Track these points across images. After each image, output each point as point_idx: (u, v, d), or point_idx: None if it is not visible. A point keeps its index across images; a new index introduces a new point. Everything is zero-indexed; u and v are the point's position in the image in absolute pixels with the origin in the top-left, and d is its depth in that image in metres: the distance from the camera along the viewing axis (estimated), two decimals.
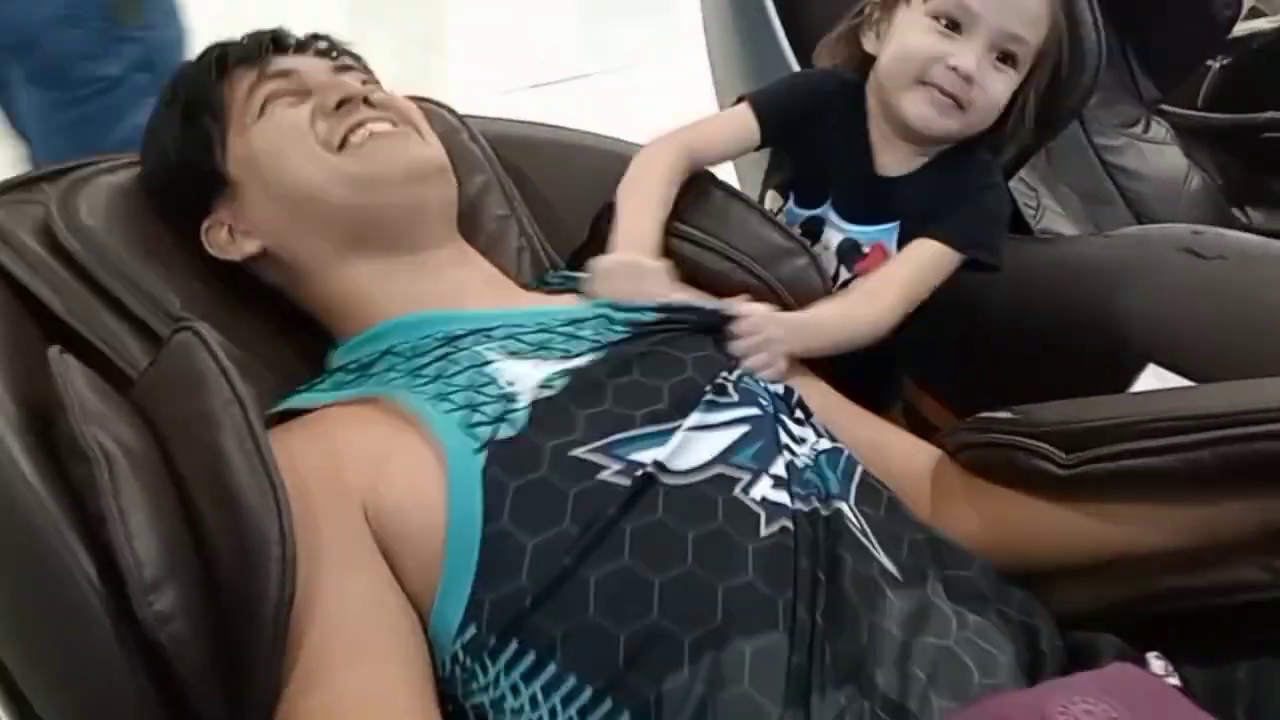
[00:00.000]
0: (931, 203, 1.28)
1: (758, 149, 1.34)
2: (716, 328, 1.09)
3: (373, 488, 0.91)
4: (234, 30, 1.18)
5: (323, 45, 1.18)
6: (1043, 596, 1.02)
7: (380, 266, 1.09)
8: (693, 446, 0.94)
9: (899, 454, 1.17)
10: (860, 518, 0.97)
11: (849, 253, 1.33)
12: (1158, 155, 2.07)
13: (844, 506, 0.96)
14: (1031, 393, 1.14)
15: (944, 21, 1.23)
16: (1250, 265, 1.38)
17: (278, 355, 1.11)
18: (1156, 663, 0.92)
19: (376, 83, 1.19)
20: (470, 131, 1.33)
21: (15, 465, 0.82)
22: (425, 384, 0.98)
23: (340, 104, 1.09)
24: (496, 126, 1.39)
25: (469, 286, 1.12)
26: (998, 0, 1.20)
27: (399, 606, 0.88)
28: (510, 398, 0.95)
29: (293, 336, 1.14)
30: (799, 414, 1.06)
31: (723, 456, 0.94)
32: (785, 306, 1.22)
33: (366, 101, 1.11)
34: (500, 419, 0.93)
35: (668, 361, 1.02)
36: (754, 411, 1.00)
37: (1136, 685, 0.81)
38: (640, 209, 1.21)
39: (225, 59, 1.13)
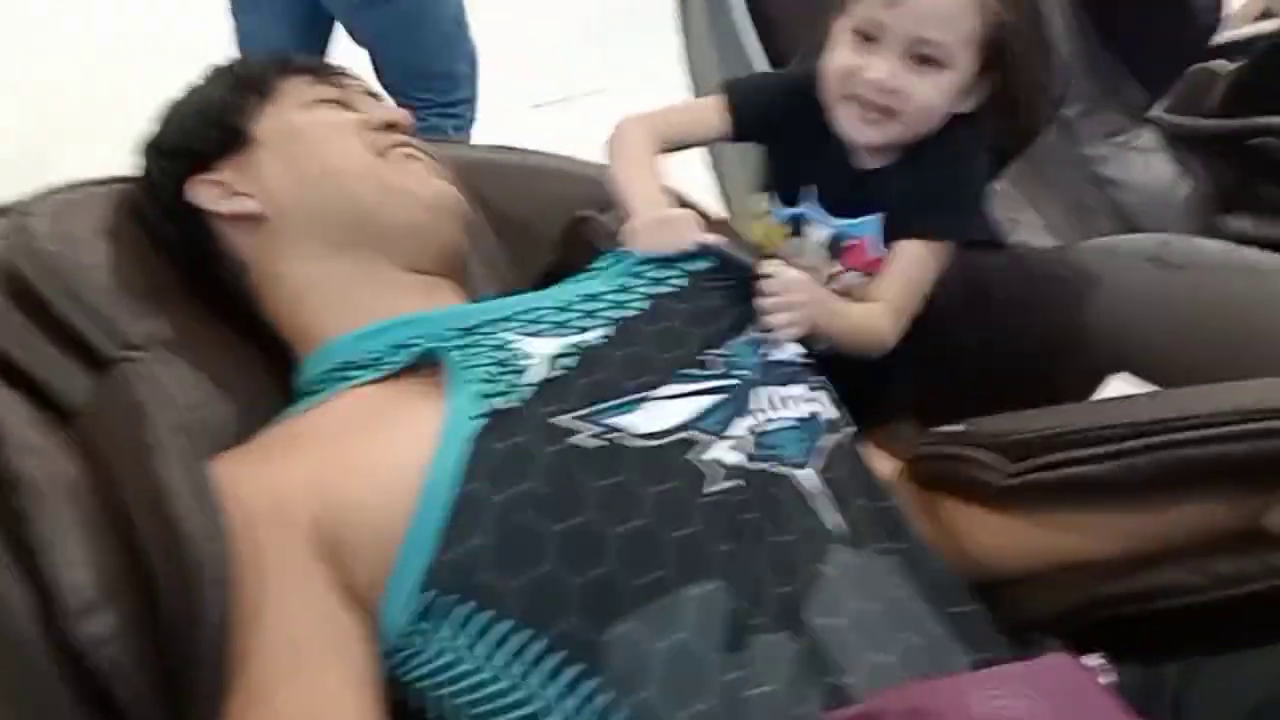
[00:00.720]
0: (912, 193, 1.28)
1: (730, 141, 1.36)
2: (742, 286, 1.12)
3: (327, 492, 0.91)
4: None
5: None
6: (994, 603, 1.02)
7: (362, 270, 1.10)
8: (660, 411, 0.98)
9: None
10: (822, 479, 1.00)
11: (836, 245, 1.33)
12: (1145, 163, 2.07)
13: (804, 471, 1.00)
14: (993, 403, 1.14)
15: (860, 35, 1.24)
16: (1209, 274, 1.38)
17: (243, 385, 1.09)
18: (1092, 660, 0.93)
19: None
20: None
21: None
22: (455, 351, 1.01)
23: (387, 126, 1.16)
24: (465, 153, 1.41)
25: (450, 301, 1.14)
26: (901, 9, 1.20)
27: (345, 616, 0.89)
28: (523, 371, 0.99)
29: (258, 360, 1.13)
30: (794, 386, 1.08)
31: (691, 422, 0.98)
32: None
33: (411, 136, 1.18)
34: (513, 388, 0.96)
35: (675, 335, 1.06)
36: (730, 381, 1.04)
37: (1065, 679, 0.82)
38: (640, 176, 1.23)
39: (288, 60, 1.20)
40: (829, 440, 1.06)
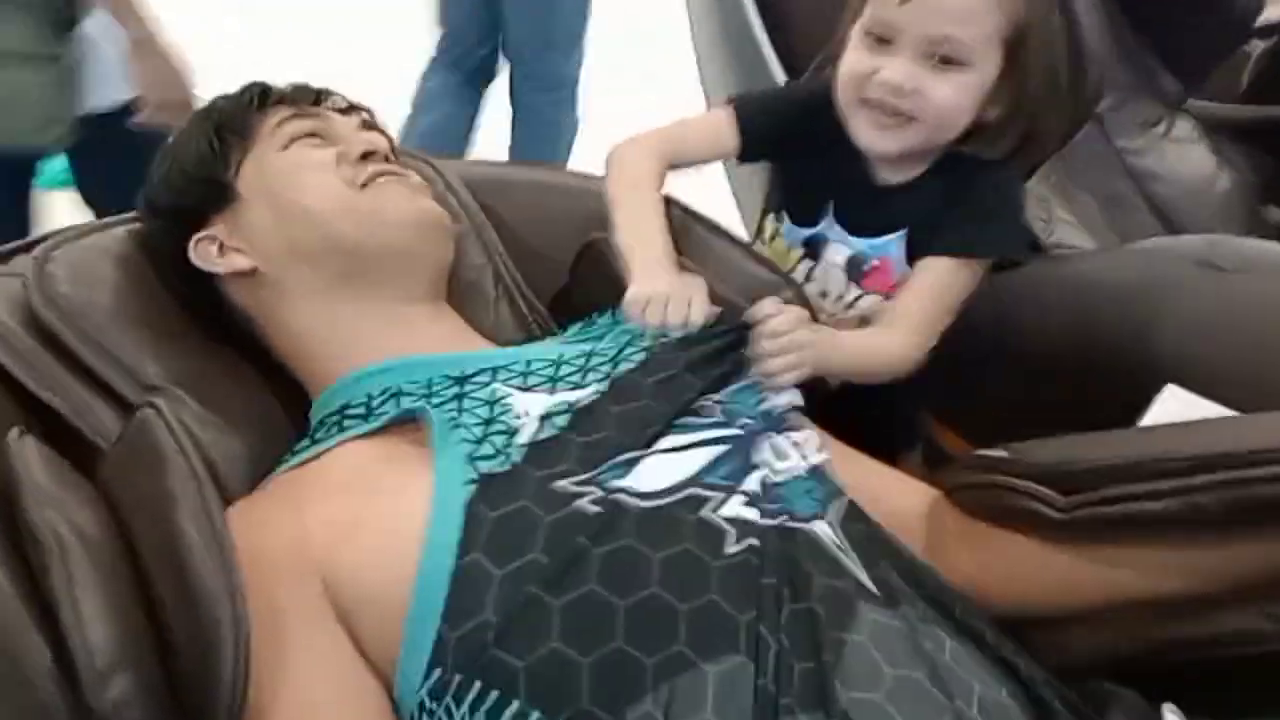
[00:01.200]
0: (936, 210, 1.22)
1: (738, 160, 1.30)
2: (738, 344, 1.07)
3: (330, 556, 0.90)
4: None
5: (364, 115, 1.21)
6: (1043, 644, 0.98)
7: (363, 308, 1.10)
8: (662, 468, 0.93)
9: (890, 494, 1.13)
10: (839, 533, 0.95)
11: (857, 267, 1.28)
12: (1182, 155, 2.00)
13: (820, 524, 0.94)
14: (1043, 421, 1.09)
15: (873, 37, 1.18)
16: (1262, 277, 1.31)
17: (260, 419, 1.10)
18: (1169, 714, 0.87)
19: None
20: (446, 180, 1.30)
21: None
22: (443, 406, 1.00)
23: (364, 155, 1.13)
24: (473, 170, 1.37)
25: (450, 340, 1.12)
26: (915, 6, 1.14)
27: (360, 675, 0.89)
28: (516, 431, 0.96)
29: (275, 398, 1.13)
30: (794, 433, 1.03)
31: (695, 478, 0.93)
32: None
33: (388, 159, 1.16)
34: (502, 451, 0.94)
35: (672, 389, 1.01)
36: (732, 431, 0.99)
37: None
38: (643, 220, 1.17)
39: (267, 95, 1.18)
40: (838, 490, 1.01)
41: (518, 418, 0.97)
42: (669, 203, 1.24)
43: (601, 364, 1.05)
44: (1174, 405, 1.24)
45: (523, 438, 0.95)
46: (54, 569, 0.81)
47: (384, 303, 1.10)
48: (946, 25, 1.14)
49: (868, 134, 1.20)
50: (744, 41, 1.77)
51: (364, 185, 1.12)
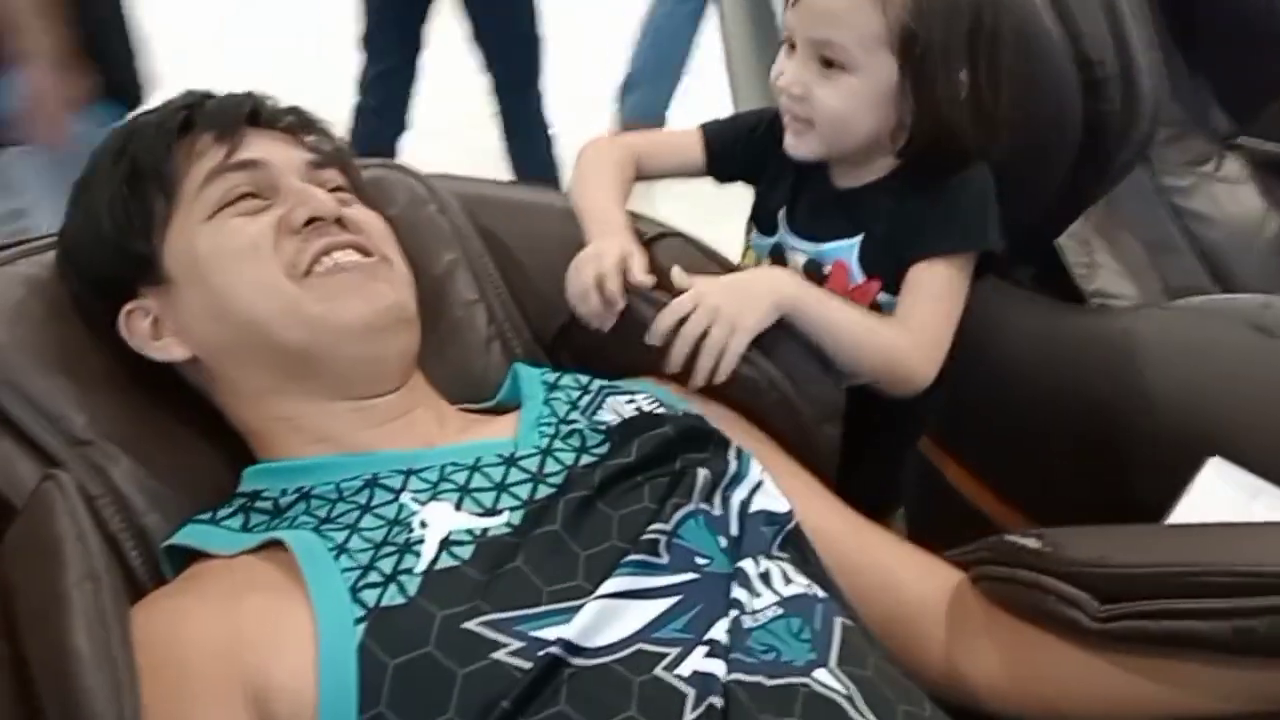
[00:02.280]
0: (906, 212, 1.17)
1: (707, 176, 1.30)
2: (682, 440, 0.96)
3: (260, 668, 0.80)
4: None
5: (309, 136, 1.06)
6: None
7: (317, 406, 0.97)
8: (610, 619, 0.81)
9: (907, 576, 1.04)
10: (847, 681, 0.83)
11: (815, 271, 1.23)
12: (1231, 196, 1.87)
13: (822, 673, 0.82)
14: (1073, 478, 1.09)
15: (787, 42, 1.17)
16: None
17: (199, 473, 0.99)
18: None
19: (351, 177, 1.07)
20: (440, 202, 1.20)
21: None
22: (334, 531, 0.87)
23: (309, 221, 0.97)
24: (468, 188, 1.26)
25: (409, 427, 0.99)
26: (800, 9, 1.14)
27: None
28: (414, 550, 0.84)
29: (216, 451, 1.01)
30: (767, 560, 0.91)
31: (646, 630, 0.81)
32: (785, 401, 1.10)
33: (339, 221, 0.99)
34: (393, 578, 0.82)
35: (594, 521, 0.89)
36: (689, 576, 0.86)
37: None
38: (602, 195, 1.18)
39: (191, 123, 1.01)
40: (836, 622, 0.89)
41: (417, 537, 0.85)
42: (672, 232, 1.20)
43: (519, 484, 0.92)
44: (1219, 479, 1.16)
45: (418, 564, 0.83)
46: None
47: (339, 399, 0.97)
48: (825, 28, 1.12)
49: (785, 138, 1.19)
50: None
51: (307, 272, 0.96)
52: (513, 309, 1.18)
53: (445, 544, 0.85)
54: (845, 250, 1.20)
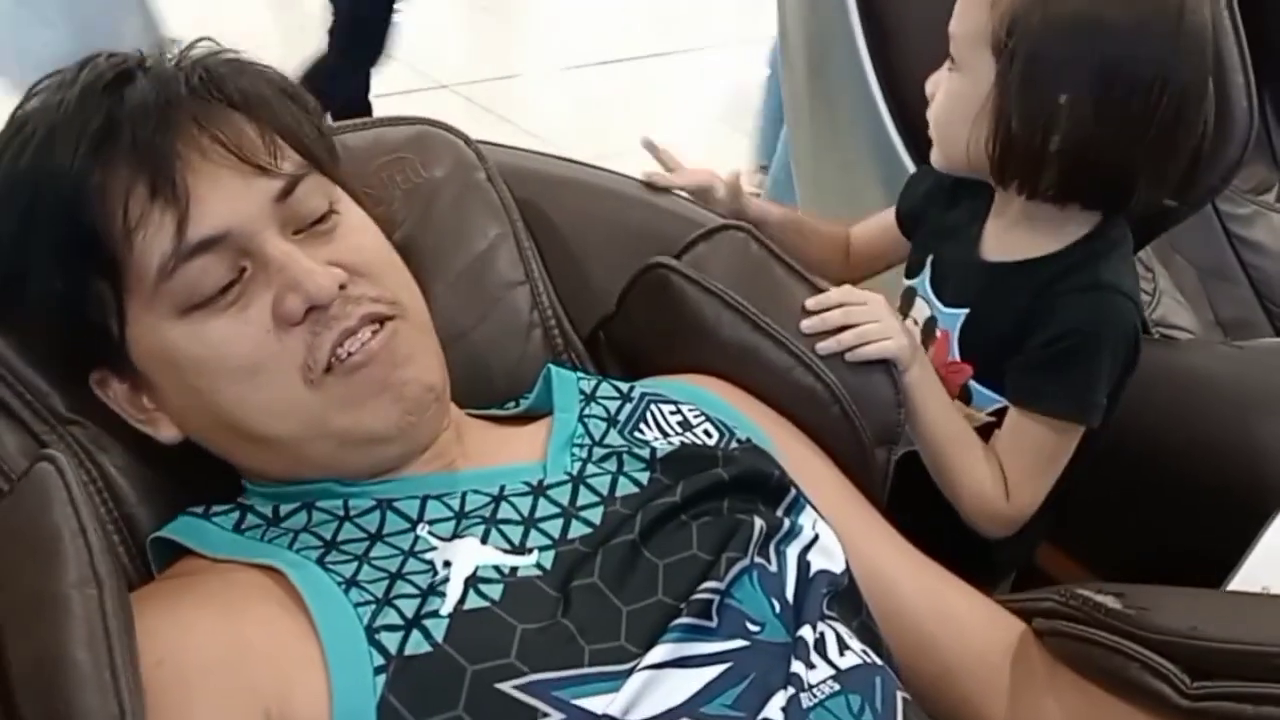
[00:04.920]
0: (1017, 328, 1.09)
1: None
2: (735, 484, 0.86)
3: (276, 684, 0.70)
4: None
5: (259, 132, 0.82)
6: None
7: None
8: (656, 690, 0.72)
9: (975, 624, 0.96)
10: None
11: (930, 330, 1.17)
12: None
13: None
14: (1129, 523, 1.05)
15: None
16: None
17: (196, 468, 0.86)
18: None
19: (323, 165, 0.86)
20: (488, 169, 1.10)
21: None
22: (341, 564, 0.77)
23: (309, 310, 0.79)
24: (516, 160, 1.16)
25: (430, 455, 0.87)
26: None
27: None
28: (438, 591, 0.74)
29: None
30: (829, 617, 0.83)
31: (693, 703, 0.72)
32: (846, 417, 1.01)
33: (344, 286, 0.80)
34: (416, 622, 0.72)
35: (637, 572, 0.79)
36: (740, 643, 0.76)
37: None
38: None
39: (109, 158, 0.77)
40: (898, 699, 0.80)
41: (441, 578, 0.76)
42: (735, 225, 1.11)
43: (548, 519, 0.82)
44: None
45: (444, 606, 0.73)
46: None
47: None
48: (952, 21, 1.09)
49: None
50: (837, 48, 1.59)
51: (320, 379, 0.79)
52: (554, 297, 1.09)
53: (472, 581, 0.75)
54: (954, 321, 1.14)
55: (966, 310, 1.13)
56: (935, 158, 1.14)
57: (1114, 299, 1.07)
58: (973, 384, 1.13)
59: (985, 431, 1.11)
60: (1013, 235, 1.12)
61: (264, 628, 0.73)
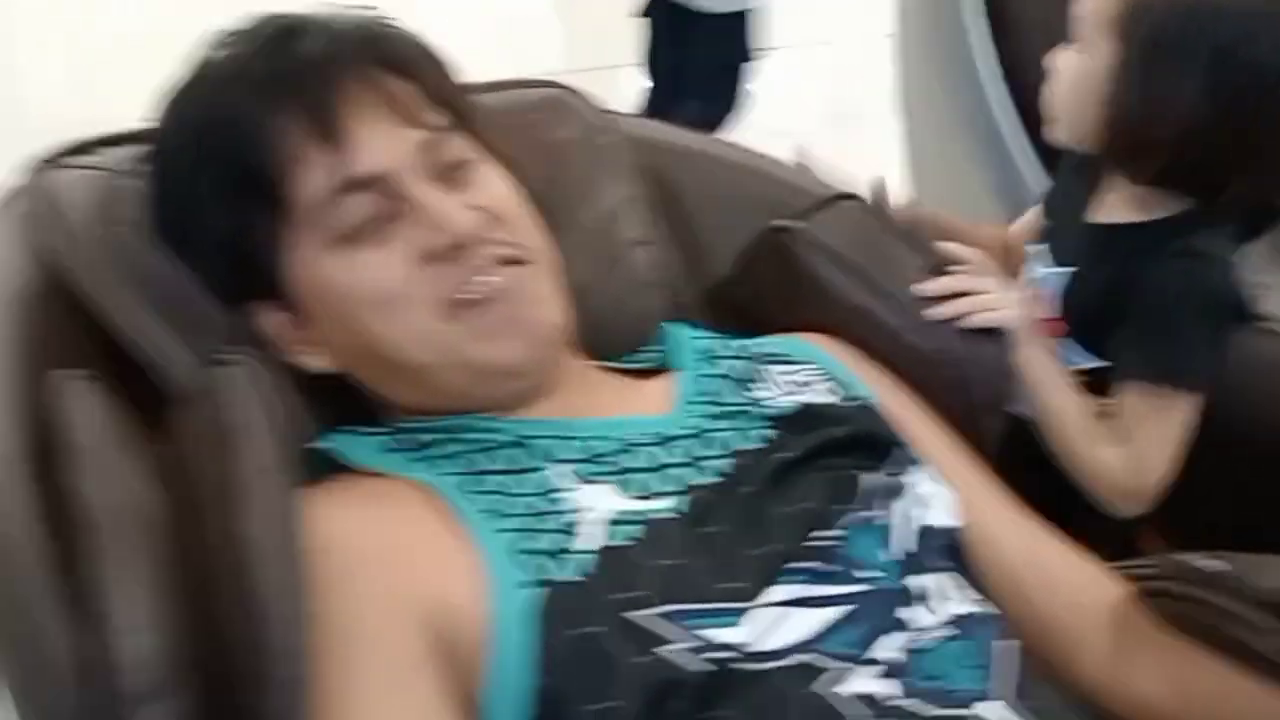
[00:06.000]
0: (1117, 296, 1.11)
1: None
2: (856, 442, 0.91)
3: (434, 587, 0.76)
4: None
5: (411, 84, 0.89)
6: None
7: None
8: (778, 625, 0.77)
9: (1078, 581, 0.98)
10: (1024, 714, 0.78)
11: (1034, 290, 1.20)
12: None
13: (990, 707, 0.77)
14: (1238, 514, 1.02)
15: None
16: None
17: (335, 400, 0.92)
18: None
19: (466, 122, 0.92)
20: (615, 133, 1.14)
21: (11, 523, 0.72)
22: (481, 493, 0.82)
23: (450, 249, 0.85)
24: (640, 128, 1.21)
25: (558, 398, 0.92)
26: None
27: None
28: (571, 531, 0.79)
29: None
30: (934, 575, 0.86)
31: (814, 641, 0.77)
32: (957, 381, 1.05)
33: (484, 236, 0.87)
34: (558, 553, 0.78)
35: (762, 519, 0.84)
36: (859, 588, 0.81)
37: None
38: None
39: (276, 104, 0.84)
40: (1002, 646, 0.83)
41: (577, 511, 0.81)
42: (849, 194, 1.15)
43: (677, 466, 0.87)
44: None
45: (590, 542, 0.79)
46: (97, 556, 0.70)
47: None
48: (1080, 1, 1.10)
49: None
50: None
51: (458, 303, 0.85)
52: (675, 256, 1.13)
53: (613, 526, 0.81)
54: (1058, 280, 1.16)
55: (1072, 270, 1.16)
56: (1052, 132, 1.16)
57: (1205, 264, 1.09)
58: (1065, 342, 1.15)
59: None
60: (1118, 200, 1.15)
61: (420, 529, 0.79)
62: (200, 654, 0.71)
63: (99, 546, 0.70)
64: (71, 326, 0.87)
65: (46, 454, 0.75)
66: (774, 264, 1.08)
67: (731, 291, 1.12)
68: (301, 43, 0.87)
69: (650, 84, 2.61)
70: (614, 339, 1.06)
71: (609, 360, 1.03)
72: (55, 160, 0.93)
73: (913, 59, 1.84)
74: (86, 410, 0.77)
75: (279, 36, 0.88)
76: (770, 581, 0.79)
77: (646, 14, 2.53)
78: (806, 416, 0.92)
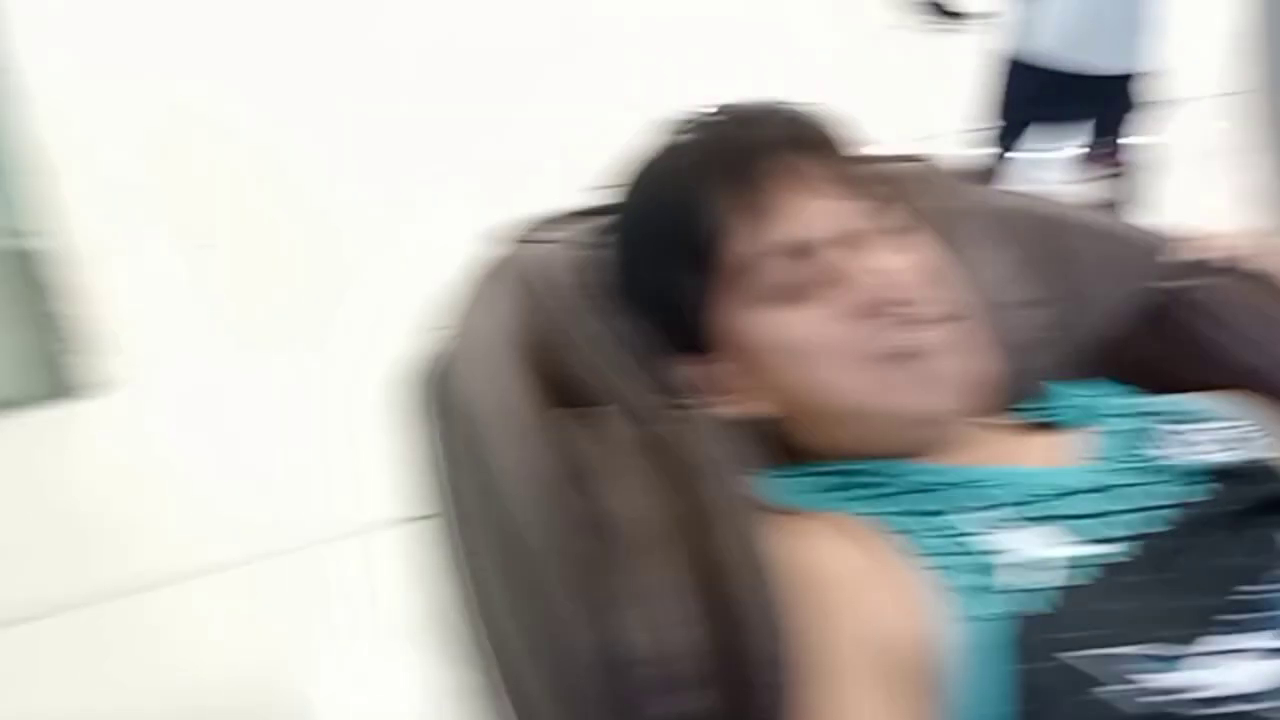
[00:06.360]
0: None
1: None
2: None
3: (892, 617, 0.84)
4: None
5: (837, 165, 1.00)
6: None
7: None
8: (1210, 672, 0.80)
9: None
10: None
11: None
12: None
13: None
14: None
15: None
16: None
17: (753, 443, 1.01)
18: None
19: (890, 199, 1.03)
20: (992, 204, 1.23)
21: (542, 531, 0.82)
22: (923, 532, 0.90)
23: (875, 308, 0.94)
24: (1008, 200, 1.28)
25: (968, 446, 1.00)
26: None
27: None
28: (988, 572, 0.86)
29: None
30: None
31: (1257, 695, 0.79)
32: None
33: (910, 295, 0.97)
34: (1019, 591, 0.84)
35: (1198, 565, 0.88)
36: None
37: None
38: None
39: (718, 185, 0.97)
40: None
41: (991, 554, 0.87)
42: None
43: (1124, 512, 0.92)
44: None
45: (1048, 579, 0.85)
46: (622, 559, 0.79)
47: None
48: None
49: None
50: None
51: (890, 357, 0.94)
52: (1058, 316, 1.19)
53: (1072, 567, 0.87)
54: None
55: None
56: None
57: None
58: None
59: None
60: None
61: (875, 558, 0.87)
62: (724, 654, 0.80)
63: (626, 550, 0.81)
64: (560, 374, 0.99)
65: (575, 476, 0.86)
66: (1157, 325, 1.13)
67: (1116, 352, 1.17)
68: (748, 131, 1.00)
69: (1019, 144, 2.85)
70: (1004, 393, 1.13)
71: (1002, 413, 1.10)
72: (532, 235, 1.09)
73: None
74: (601, 439, 0.89)
75: (726, 125, 1.01)
76: (1207, 629, 0.83)
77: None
78: (1241, 468, 0.96)
